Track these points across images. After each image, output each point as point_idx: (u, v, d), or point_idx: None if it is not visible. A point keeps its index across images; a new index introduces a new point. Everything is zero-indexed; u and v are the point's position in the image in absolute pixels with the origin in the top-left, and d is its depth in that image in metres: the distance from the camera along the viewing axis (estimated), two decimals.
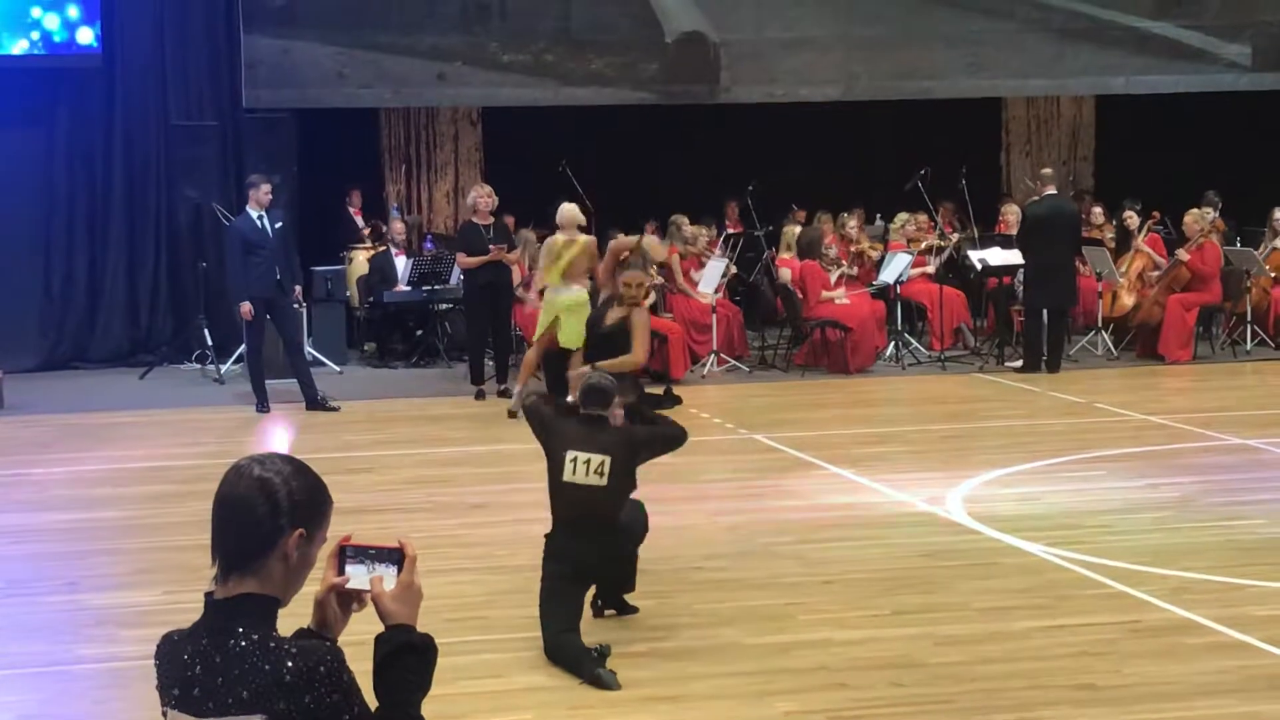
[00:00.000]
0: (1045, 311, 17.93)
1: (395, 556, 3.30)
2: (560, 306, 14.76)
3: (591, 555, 8.05)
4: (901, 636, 8.22)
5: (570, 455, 8.03)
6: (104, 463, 13.64)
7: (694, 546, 10.17)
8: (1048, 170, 19.25)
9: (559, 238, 15.17)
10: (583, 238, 15.13)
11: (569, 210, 15.29)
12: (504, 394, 16.54)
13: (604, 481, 8.01)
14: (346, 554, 3.31)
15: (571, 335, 14.40)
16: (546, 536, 8.23)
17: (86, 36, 18.96)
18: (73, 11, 18.88)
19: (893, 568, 9.64)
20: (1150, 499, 11.41)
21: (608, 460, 7.99)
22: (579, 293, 14.70)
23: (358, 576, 3.29)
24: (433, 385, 17.60)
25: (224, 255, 18.72)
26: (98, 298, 19.63)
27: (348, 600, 3.32)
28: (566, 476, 8.06)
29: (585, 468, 8.00)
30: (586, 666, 7.62)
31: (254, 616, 3.20)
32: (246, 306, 15.66)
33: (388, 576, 3.29)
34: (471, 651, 7.94)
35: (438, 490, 12.22)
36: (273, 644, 3.14)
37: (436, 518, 11.22)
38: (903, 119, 21.97)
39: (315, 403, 15.90)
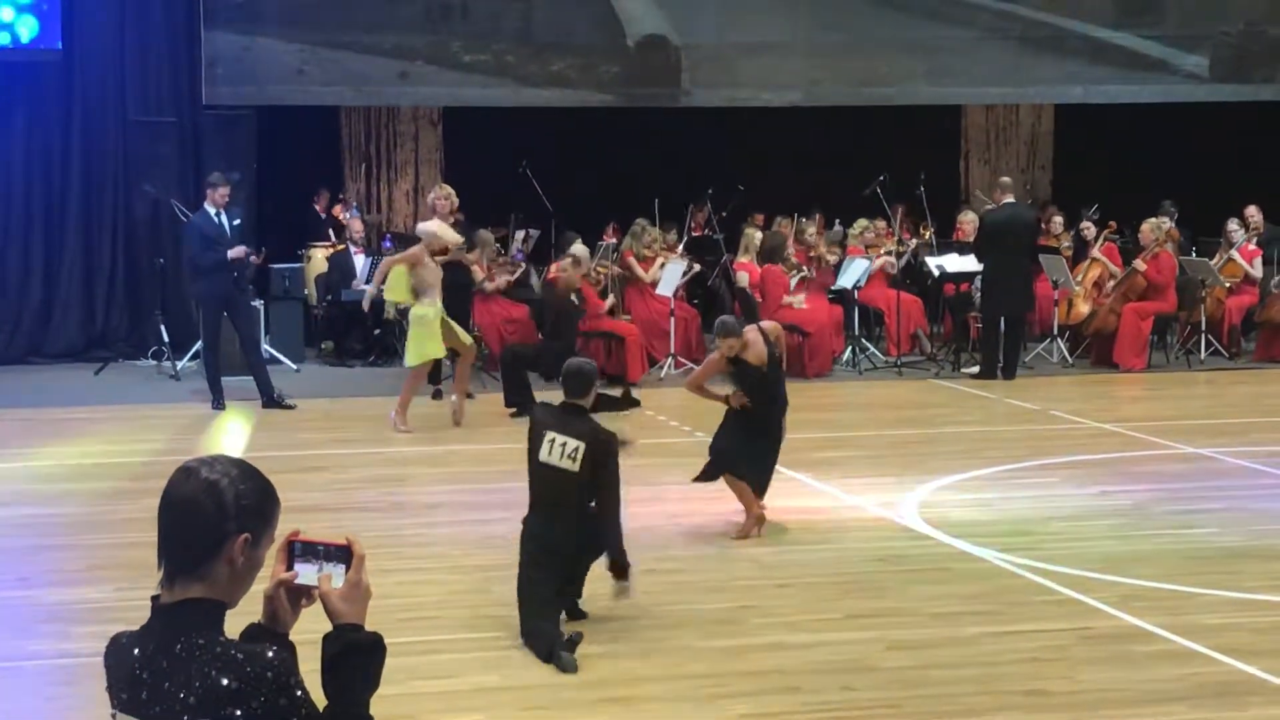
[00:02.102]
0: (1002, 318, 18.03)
1: (344, 555, 3.29)
2: (410, 319, 14.88)
3: (565, 539, 8.32)
4: (854, 640, 8.25)
5: (549, 435, 8.34)
6: (58, 458, 13.58)
7: (649, 549, 10.16)
8: (1006, 179, 19.32)
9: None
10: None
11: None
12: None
13: (575, 468, 8.28)
14: (295, 550, 3.30)
15: (414, 349, 14.66)
16: (524, 520, 8.46)
17: (47, 33, 18.88)
18: (34, 14, 18.81)
19: (846, 572, 9.68)
20: (1103, 506, 11.47)
21: (581, 447, 8.28)
22: (426, 306, 14.61)
23: (306, 573, 3.29)
24: (390, 384, 17.50)
25: (182, 252, 18.75)
26: (54, 293, 19.54)
27: (297, 595, 3.30)
28: (543, 456, 8.35)
29: (560, 450, 8.30)
30: (554, 647, 7.79)
31: (200, 621, 3.18)
32: (238, 250, 15.70)
33: (336, 575, 3.28)
34: (424, 651, 7.94)
35: (393, 489, 12.21)
36: (219, 648, 3.12)
37: (392, 517, 11.20)
38: (863, 125, 22.03)
39: (272, 400, 15.87)
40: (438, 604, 8.96)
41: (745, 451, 10.57)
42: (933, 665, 7.84)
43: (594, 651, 8.08)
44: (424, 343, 14.56)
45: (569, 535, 8.32)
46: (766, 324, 11.31)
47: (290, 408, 15.85)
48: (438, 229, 15.11)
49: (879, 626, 8.50)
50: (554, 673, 7.78)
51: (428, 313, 14.50)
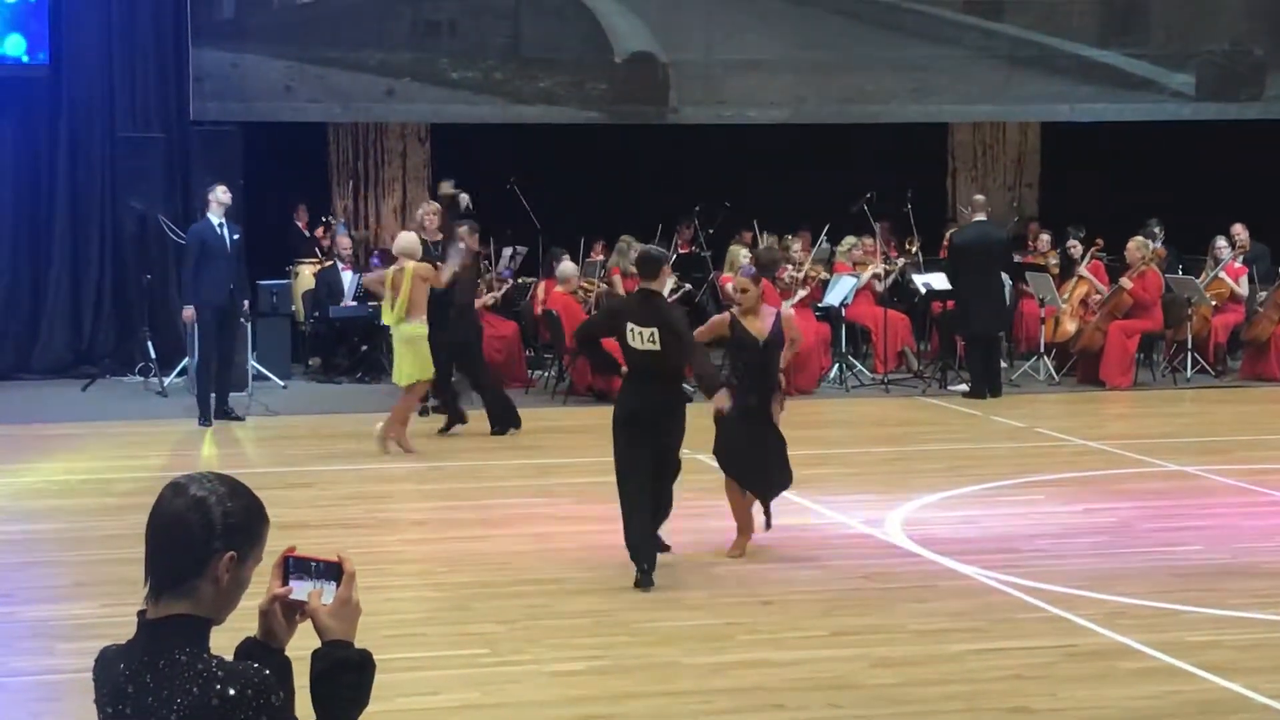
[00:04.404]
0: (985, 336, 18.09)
1: (335, 572, 3.31)
2: (400, 339, 14.32)
3: (654, 403, 9.72)
4: (839, 658, 8.26)
5: (630, 326, 9.72)
6: (44, 474, 13.56)
7: (633, 566, 10.18)
8: (979, 197, 19.34)
9: (390, 270, 14.52)
10: (410, 264, 14.29)
11: (409, 239, 14.73)
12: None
13: (657, 347, 9.65)
14: (290, 566, 3.32)
15: (408, 369, 14.22)
16: (618, 394, 10.10)
17: (34, 49, 18.91)
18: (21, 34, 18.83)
19: (831, 589, 9.69)
20: (1088, 524, 11.49)
21: (656, 332, 9.62)
22: (418, 325, 14.23)
23: (300, 589, 3.31)
24: (376, 401, 17.50)
25: (169, 265, 18.88)
26: (41, 308, 19.51)
27: (292, 611, 3.32)
28: (630, 343, 9.74)
29: (641, 337, 9.68)
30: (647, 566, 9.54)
31: (185, 637, 3.18)
32: (189, 311, 15.65)
33: (327, 591, 3.30)
34: (407, 668, 7.93)
35: (378, 506, 12.21)
36: (201, 665, 3.13)
37: (377, 534, 11.20)
38: (849, 143, 22.07)
39: (222, 412, 15.87)
40: (421, 621, 8.95)
41: (746, 453, 10.35)
42: (917, 682, 7.85)
43: (578, 668, 8.09)
44: (424, 362, 14.40)
45: (658, 400, 9.71)
46: (786, 310, 11.29)
47: (240, 419, 15.97)
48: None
49: (864, 644, 8.51)
50: (537, 689, 7.79)
51: (422, 331, 14.39)
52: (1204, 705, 7.57)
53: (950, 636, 8.63)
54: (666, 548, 10.21)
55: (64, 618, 9.07)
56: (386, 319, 14.50)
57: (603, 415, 16.59)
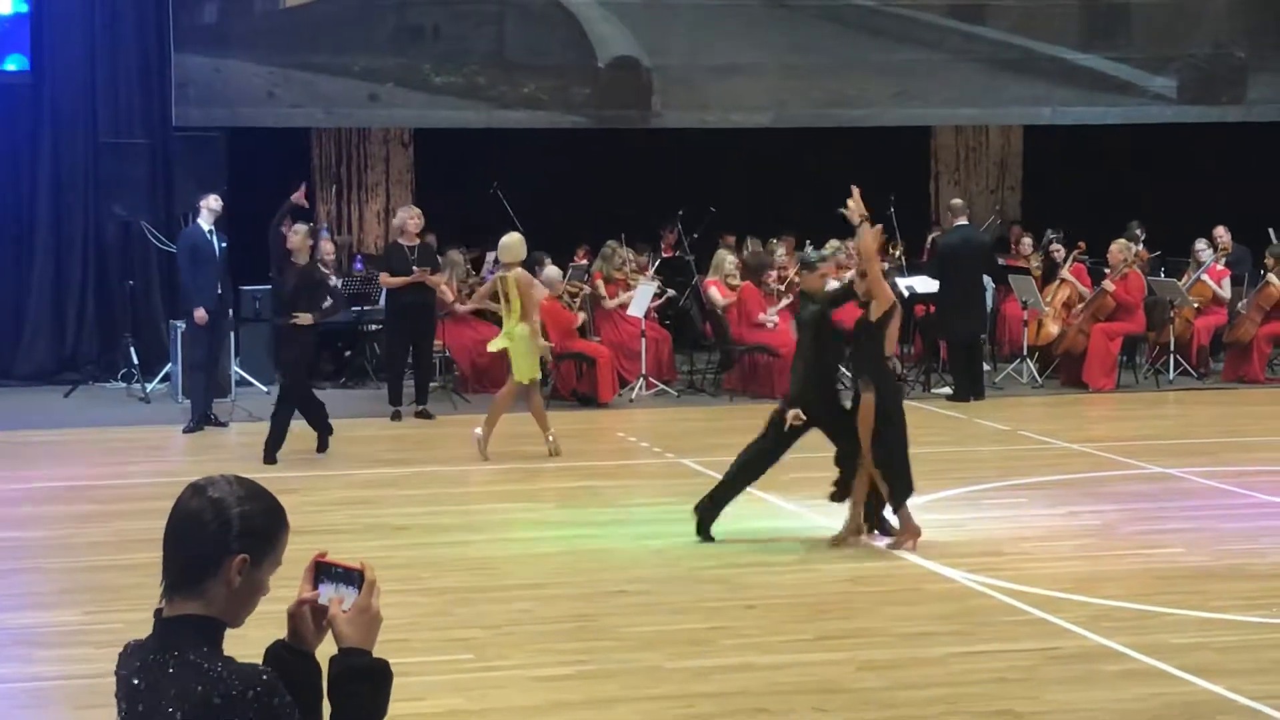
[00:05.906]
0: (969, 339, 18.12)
1: (355, 579, 3.33)
2: (507, 339, 14.22)
3: (795, 381, 11.45)
4: (823, 661, 8.27)
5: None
6: (26, 481, 13.52)
7: (619, 569, 10.21)
8: (958, 201, 19.39)
9: (494, 279, 14.48)
10: (514, 272, 14.22)
11: (515, 241, 14.49)
12: (422, 414, 16.52)
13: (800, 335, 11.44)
14: (318, 570, 3.34)
15: (524, 368, 14.14)
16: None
17: (17, 59, 18.90)
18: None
19: (815, 593, 9.70)
20: (1071, 526, 11.51)
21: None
22: (523, 324, 14.16)
23: (325, 594, 3.33)
24: (360, 406, 17.52)
25: (152, 271, 18.89)
26: (23, 315, 19.46)
27: (320, 615, 3.34)
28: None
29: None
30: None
31: (195, 638, 3.19)
32: (200, 312, 15.68)
33: (347, 598, 3.32)
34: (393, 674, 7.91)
35: (362, 511, 12.19)
36: (206, 666, 3.14)
37: (360, 539, 11.16)
38: (832, 147, 22.07)
39: (204, 420, 15.89)
40: (406, 626, 8.92)
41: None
42: (902, 686, 7.86)
43: (564, 672, 8.09)
44: (535, 359, 14.32)
45: (797, 378, 11.39)
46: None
47: (223, 425, 16.02)
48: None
49: (849, 647, 8.52)
50: (521, 694, 7.79)
51: (524, 330, 14.16)
52: (1187, 707, 7.58)
53: (934, 640, 8.64)
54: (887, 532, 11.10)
55: (46, 625, 9.04)
56: (509, 327, 14.37)
57: (586, 420, 16.73)
